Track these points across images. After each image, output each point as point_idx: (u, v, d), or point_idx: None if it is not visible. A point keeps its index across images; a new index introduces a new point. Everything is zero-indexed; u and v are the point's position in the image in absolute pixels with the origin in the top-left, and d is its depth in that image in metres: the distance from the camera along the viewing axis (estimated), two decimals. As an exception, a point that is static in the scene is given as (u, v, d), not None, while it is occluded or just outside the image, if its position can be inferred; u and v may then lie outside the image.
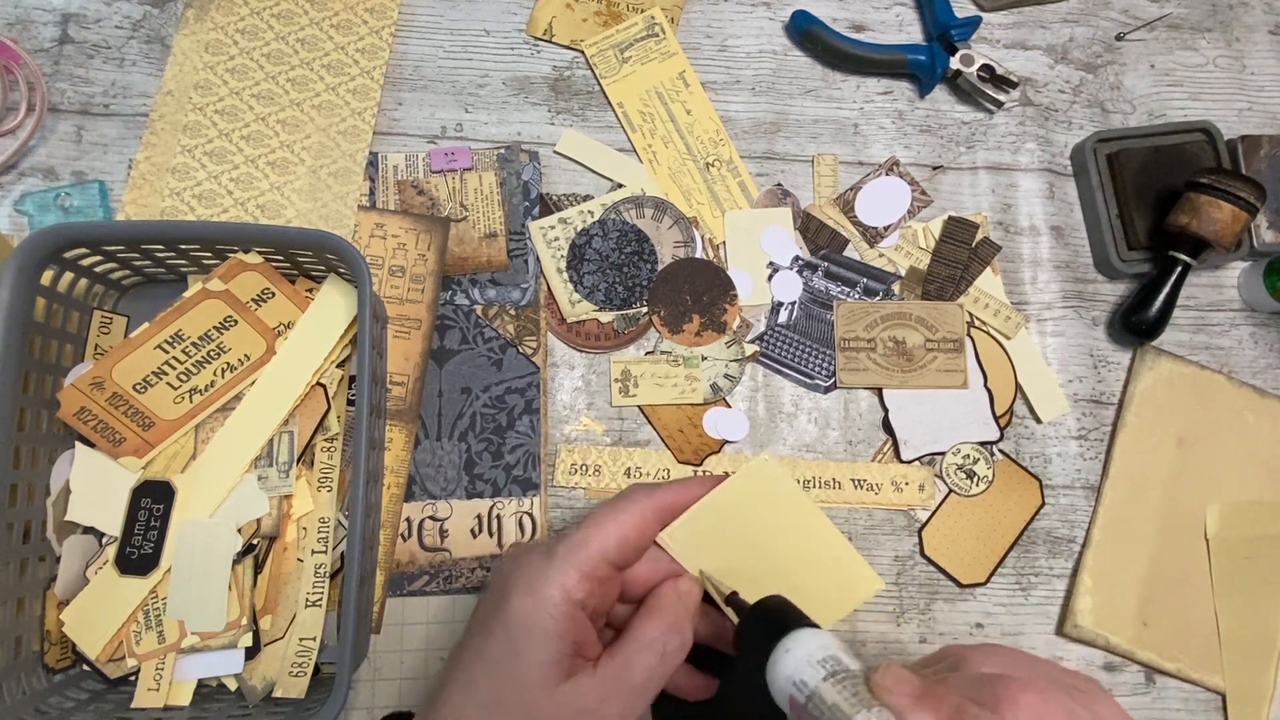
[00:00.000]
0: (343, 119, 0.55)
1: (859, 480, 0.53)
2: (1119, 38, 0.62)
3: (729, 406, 0.54)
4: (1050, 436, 0.55)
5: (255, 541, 0.46)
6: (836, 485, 0.53)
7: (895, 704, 0.29)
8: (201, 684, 0.45)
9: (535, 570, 0.35)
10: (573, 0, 0.59)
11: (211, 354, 0.47)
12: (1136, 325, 0.54)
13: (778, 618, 0.34)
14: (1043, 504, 0.54)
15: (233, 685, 0.45)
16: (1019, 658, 0.33)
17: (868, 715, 0.29)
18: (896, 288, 0.56)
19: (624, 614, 0.39)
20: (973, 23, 0.58)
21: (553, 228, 0.55)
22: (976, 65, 0.58)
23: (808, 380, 0.55)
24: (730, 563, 0.40)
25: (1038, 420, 0.55)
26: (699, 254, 0.56)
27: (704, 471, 0.53)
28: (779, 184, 0.58)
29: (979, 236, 0.56)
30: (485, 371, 0.53)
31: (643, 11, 0.59)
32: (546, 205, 0.56)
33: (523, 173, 0.56)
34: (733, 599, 0.37)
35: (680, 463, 0.53)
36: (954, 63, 0.58)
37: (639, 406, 0.54)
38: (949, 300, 0.55)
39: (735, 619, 0.36)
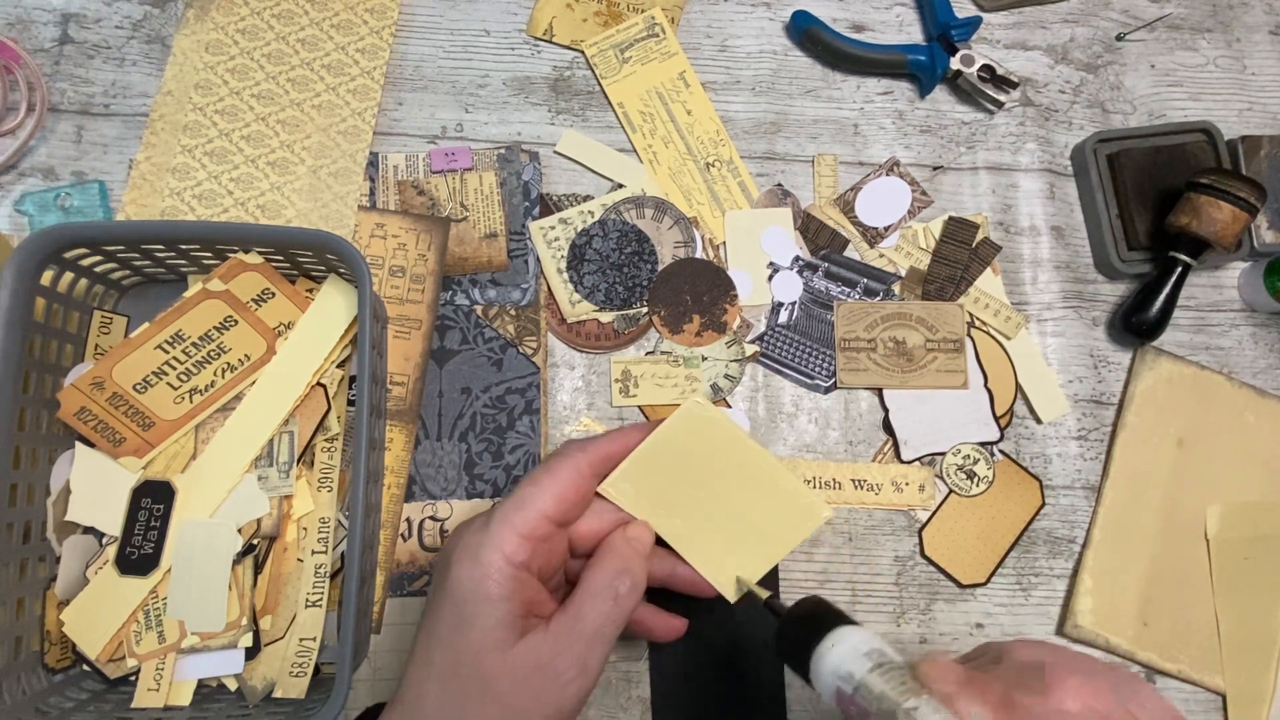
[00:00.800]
0: (343, 119, 0.55)
1: (859, 480, 0.53)
2: (1119, 38, 0.62)
3: (729, 407, 0.54)
4: (1050, 437, 0.55)
5: (255, 541, 0.46)
6: (836, 485, 0.53)
7: (942, 692, 0.29)
8: (201, 684, 0.45)
9: (474, 539, 0.35)
10: (573, 0, 0.59)
11: (212, 354, 0.47)
12: (1137, 325, 0.54)
13: (818, 617, 0.35)
14: (1043, 504, 0.54)
15: (233, 685, 0.45)
16: (1060, 650, 0.33)
17: (917, 702, 0.29)
18: (896, 288, 0.56)
19: (577, 568, 0.39)
20: (973, 23, 0.58)
21: (553, 228, 0.55)
22: (977, 65, 0.58)
23: (808, 380, 0.55)
24: (676, 505, 0.40)
25: (1038, 420, 0.55)
26: (699, 254, 0.56)
27: None
28: (779, 184, 0.58)
29: (979, 237, 0.56)
30: (485, 372, 0.53)
31: (643, 11, 0.59)
32: (546, 205, 0.56)
33: (523, 173, 0.56)
34: (771, 602, 0.37)
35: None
36: (954, 63, 0.58)
37: (639, 407, 0.54)
38: (949, 300, 0.55)
39: (773, 618, 0.37)
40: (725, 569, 0.40)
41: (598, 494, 0.39)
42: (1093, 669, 0.31)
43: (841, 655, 0.32)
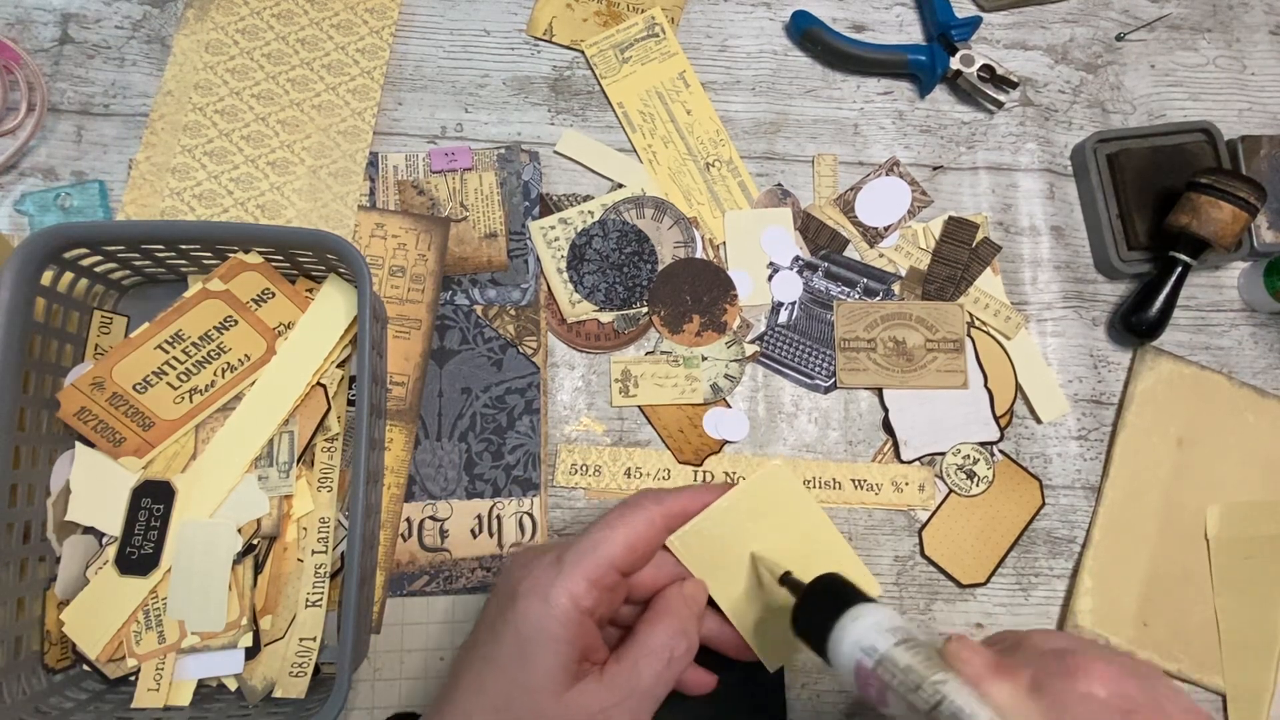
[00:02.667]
0: (343, 119, 0.55)
1: (859, 480, 0.53)
2: (1119, 38, 0.62)
3: (729, 406, 0.54)
4: (1050, 437, 0.55)
5: (255, 541, 0.46)
6: (836, 485, 0.53)
7: (969, 673, 0.29)
8: (201, 684, 0.45)
9: (544, 576, 0.35)
10: (573, 0, 0.59)
11: (211, 354, 0.47)
12: (1136, 325, 0.54)
13: (839, 592, 0.35)
14: (1043, 504, 0.54)
15: (233, 685, 0.45)
16: (1079, 639, 0.33)
17: (945, 676, 0.29)
18: (896, 288, 0.56)
19: (628, 614, 0.39)
20: (973, 23, 0.58)
21: (553, 228, 0.55)
22: (976, 65, 0.58)
23: (808, 380, 0.55)
24: (733, 569, 0.40)
25: (1038, 420, 0.55)
26: (699, 254, 0.56)
27: (706, 473, 0.53)
28: (779, 184, 0.58)
29: (979, 236, 0.56)
30: (485, 371, 0.53)
31: (643, 11, 0.59)
32: (546, 205, 0.56)
33: (523, 173, 0.56)
34: (786, 578, 0.37)
35: (680, 463, 0.53)
36: (954, 63, 0.58)
37: (639, 407, 0.54)
38: (949, 300, 0.55)
39: (789, 596, 0.37)
40: (769, 638, 0.40)
41: (662, 546, 0.39)
42: (1115, 657, 0.31)
43: (864, 629, 0.32)
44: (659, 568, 0.39)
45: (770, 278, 0.56)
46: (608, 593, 0.36)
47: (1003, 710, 0.28)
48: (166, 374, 0.46)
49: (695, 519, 0.39)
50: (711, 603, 0.40)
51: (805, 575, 0.39)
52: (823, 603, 0.34)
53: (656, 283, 0.55)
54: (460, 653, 0.38)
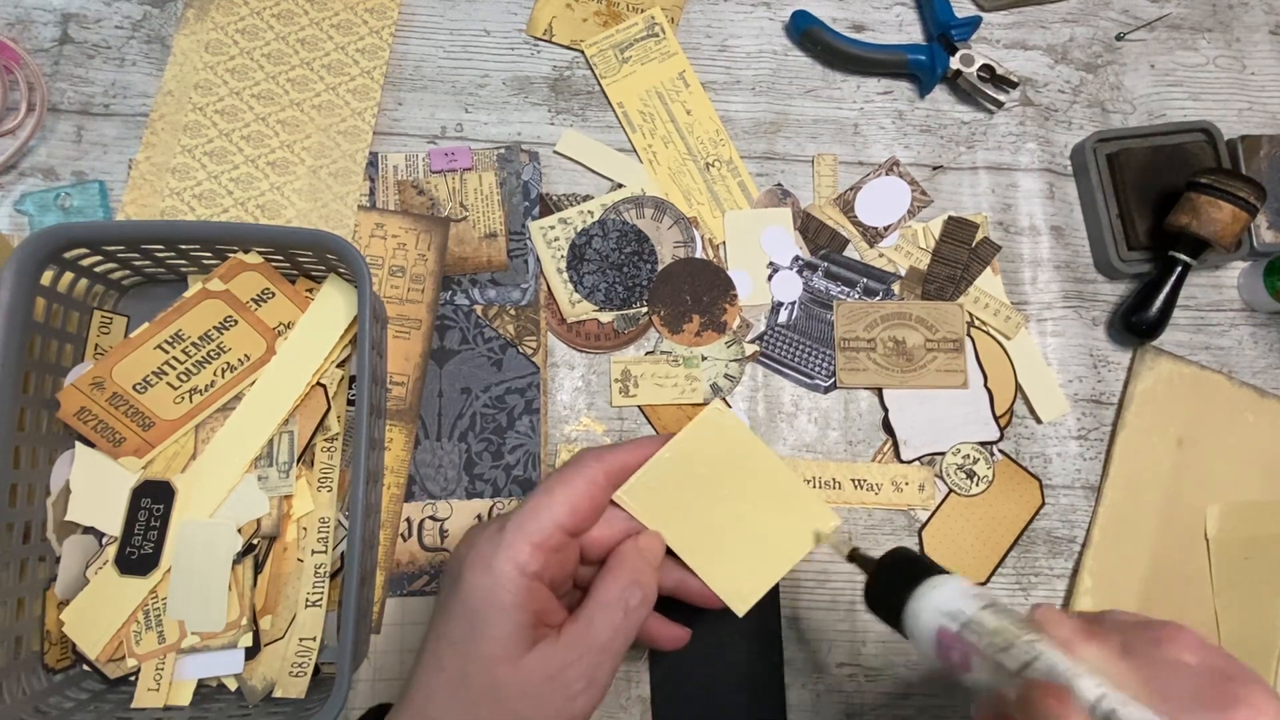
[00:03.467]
0: (343, 119, 0.55)
1: (859, 480, 0.53)
2: (1119, 38, 0.62)
3: (729, 406, 0.54)
4: (1050, 436, 0.55)
5: (255, 541, 0.46)
6: (836, 485, 0.53)
7: (1060, 636, 0.29)
8: (201, 684, 0.45)
9: (487, 547, 0.35)
10: (573, 0, 0.59)
11: (211, 354, 0.47)
12: (1136, 325, 0.54)
13: (916, 563, 0.35)
14: (1043, 504, 0.54)
15: (233, 685, 0.45)
16: (1154, 617, 0.33)
17: (1036, 636, 0.29)
18: (896, 288, 0.56)
19: (588, 574, 0.39)
20: (973, 23, 0.58)
21: (553, 228, 0.55)
22: (976, 65, 0.58)
23: (808, 380, 0.55)
24: (687, 516, 0.40)
25: (1038, 420, 0.55)
26: (699, 254, 0.56)
27: None
28: (779, 184, 0.58)
29: (979, 236, 0.56)
30: (485, 371, 0.53)
31: (643, 11, 0.59)
32: (546, 205, 0.56)
33: (523, 173, 0.56)
34: (855, 554, 0.38)
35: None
36: (954, 63, 0.58)
37: (639, 406, 0.54)
38: (949, 300, 0.55)
39: (862, 571, 0.37)
40: (733, 581, 0.40)
41: (611, 502, 0.39)
42: (1197, 631, 0.31)
43: (948, 595, 0.32)
44: (612, 525, 0.39)
45: (770, 278, 0.56)
46: (555, 554, 0.36)
47: (1096, 670, 0.28)
48: (166, 374, 0.46)
49: (640, 470, 0.39)
50: (672, 554, 0.40)
51: (763, 512, 0.40)
52: (898, 574, 0.35)
53: (656, 283, 0.55)
54: (422, 638, 0.38)
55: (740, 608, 0.40)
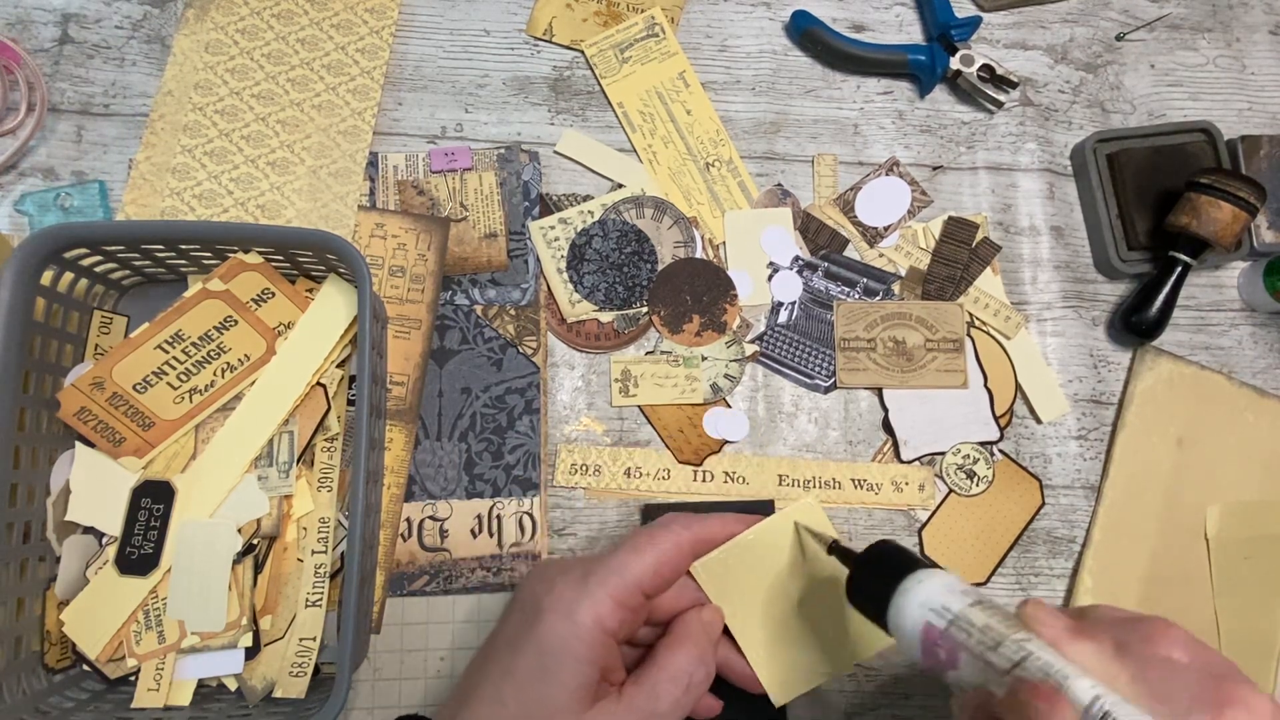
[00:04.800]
0: (343, 119, 0.55)
1: (859, 480, 0.53)
2: (1119, 38, 0.62)
3: (729, 406, 0.54)
4: (1050, 436, 0.55)
5: (255, 541, 0.46)
6: (836, 485, 0.53)
7: (1050, 635, 0.29)
8: (201, 684, 0.45)
9: (569, 593, 0.35)
10: (573, 0, 0.59)
11: (211, 354, 0.47)
12: (1136, 325, 0.54)
13: (900, 557, 0.34)
14: (1043, 504, 0.54)
15: (233, 685, 0.45)
16: (1142, 613, 0.33)
17: (1026, 635, 0.29)
18: (896, 288, 0.56)
19: (646, 634, 0.39)
20: (973, 23, 0.58)
21: (553, 228, 0.55)
22: (976, 65, 0.58)
23: (808, 380, 0.55)
24: (751, 600, 0.40)
25: (1038, 420, 0.55)
26: (699, 254, 0.56)
27: (706, 473, 0.53)
28: (779, 184, 0.58)
29: (979, 236, 0.56)
30: (485, 371, 0.53)
31: (643, 11, 0.59)
32: (546, 205, 0.56)
33: (523, 173, 0.56)
34: (835, 546, 0.37)
35: (680, 463, 0.53)
36: (954, 63, 0.58)
37: (639, 406, 0.54)
38: (949, 300, 0.55)
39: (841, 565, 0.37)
40: (778, 671, 0.40)
41: (687, 572, 0.39)
42: (1187, 630, 0.31)
43: (934, 590, 0.32)
44: (679, 591, 0.39)
45: (770, 278, 0.56)
46: (631, 614, 0.36)
47: (1088, 669, 0.28)
48: (166, 374, 0.46)
49: (721, 547, 0.39)
50: (725, 632, 0.40)
51: (823, 616, 0.40)
52: (884, 567, 0.34)
53: (656, 283, 0.55)
54: (477, 663, 0.38)
55: (779, 699, 0.40)
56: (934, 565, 0.34)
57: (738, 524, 0.40)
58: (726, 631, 0.40)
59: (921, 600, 0.32)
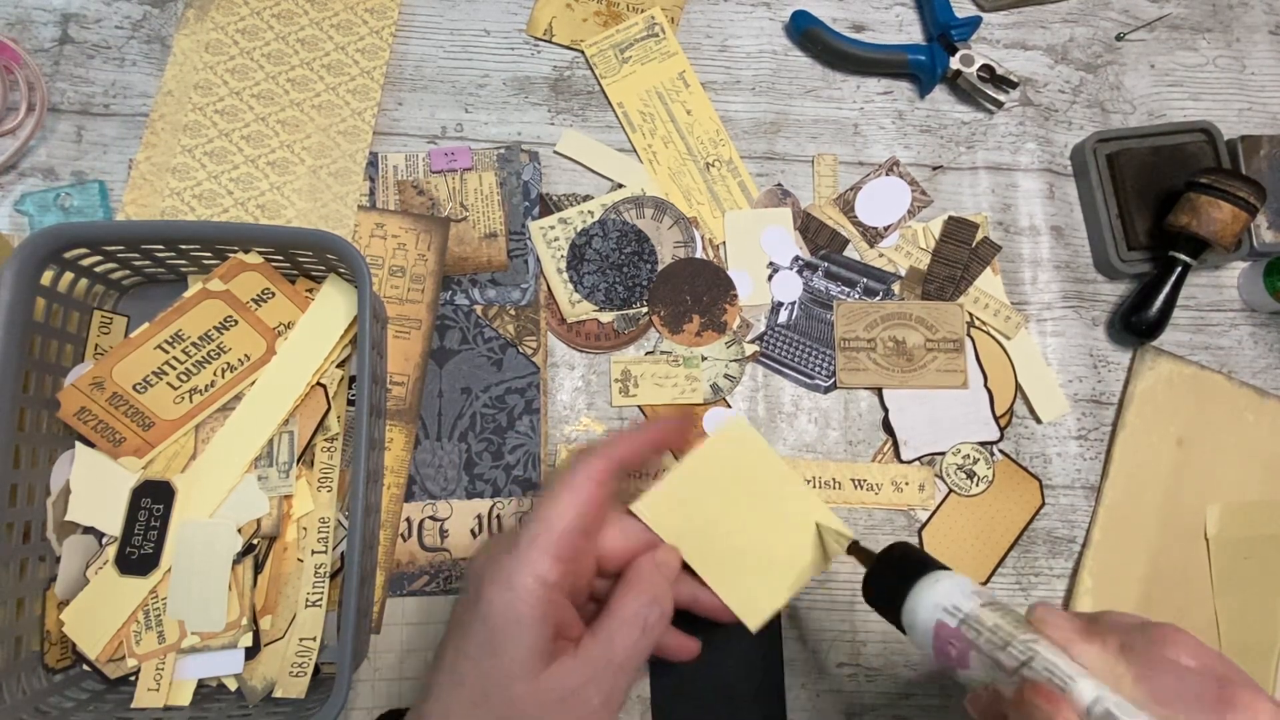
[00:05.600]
0: (343, 119, 0.55)
1: (859, 480, 0.53)
2: (1119, 38, 0.62)
3: (729, 406, 0.54)
4: (1050, 436, 0.55)
5: (255, 541, 0.46)
6: (836, 485, 0.53)
7: (1058, 636, 0.30)
8: (201, 684, 0.45)
9: (506, 560, 0.35)
10: (573, 0, 0.59)
11: (211, 354, 0.47)
12: (1136, 325, 0.54)
13: (916, 558, 0.35)
14: (1043, 504, 0.54)
15: (233, 685, 0.45)
16: (1150, 619, 0.33)
17: (1034, 636, 0.29)
18: (896, 288, 0.56)
19: (605, 587, 0.39)
20: (973, 23, 0.58)
21: (553, 228, 0.55)
22: (976, 65, 0.58)
23: (808, 380, 0.55)
24: (703, 531, 0.40)
25: (1038, 420, 0.55)
26: (699, 254, 0.56)
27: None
28: (779, 184, 0.58)
29: (979, 236, 0.56)
30: (485, 371, 0.53)
31: (643, 11, 0.59)
32: (546, 205, 0.56)
33: (523, 173, 0.56)
34: (855, 547, 0.38)
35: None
36: (954, 63, 0.58)
37: (639, 406, 0.54)
38: (949, 300, 0.55)
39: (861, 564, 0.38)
40: (748, 597, 0.40)
41: (628, 512, 0.39)
42: (1194, 636, 0.31)
43: (947, 590, 0.33)
44: (629, 538, 0.39)
45: (770, 278, 0.56)
46: (572, 563, 0.36)
47: (1094, 670, 0.28)
48: (166, 374, 0.46)
49: (659, 484, 0.39)
50: (687, 568, 0.40)
51: (778, 529, 0.40)
52: (899, 568, 0.35)
53: (656, 283, 0.55)
54: (437, 651, 0.38)
55: (754, 623, 0.40)
56: (946, 568, 0.34)
57: (648, 433, 0.39)
58: (688, 569, 0.40)
59: (935, 600, 0.33)
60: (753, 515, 0.40)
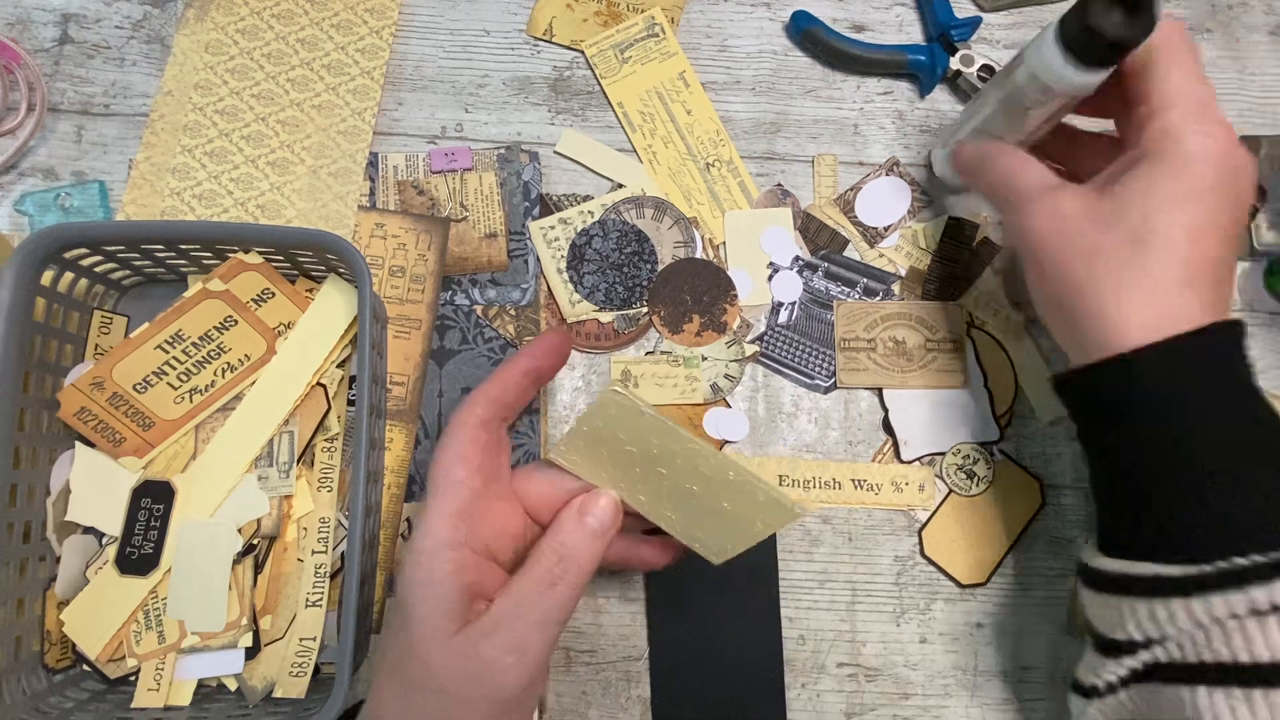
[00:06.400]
0: (343, 119, 0.55)
1: (859, 480, 0.53)
2: (1119, 38, 0.62)
3: (729, 406, 0.54)
4: (1050, 436, 0.55)
5: (255, 541, 0.46)
6: (836, 485, 0.53)
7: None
8: (201, 684, 0.45)
9: (415, 537, 0.35)
10: (573, 0, 0.59)
11: (211, 354, 0.47)
12: (1136, 325, 0.54)
13: None
14: (1043, 504, 0.54)
15: (233, 685, 0.45)
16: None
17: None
18: (896, 288, 0.56)
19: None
20: (973, 23, 0.58)
21: (553, 228, 0.55)
22: (977, 65, 0.58)
23: (808, 380, 0.55)
24: (638, 480, 0.36)
25: (1038, 420, 0.55)
26: (699, 254, 0.56)
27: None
28: (779, 184, 0.58)
29: (979, 236, 0.56)
30: (485, 372, 0.53)
31: (643, 11, 0.59)
32: (546, 205, 0.56)
33: (523, 173, 0.56)
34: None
35: (680, 463, 0.53)
36: (954, 63, 0.58)
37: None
38: (949, 300, 0.55)
39: None
40: (706, 534, 0.37)
41: (551, 463, 0.38)
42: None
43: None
44: (554, 484, 0.38)
45: (770, 278, 0.56)
46: (472, 517, 0.35)
47: None
48: (166, 374, 0.46)
49: (568, 432, 0.36)
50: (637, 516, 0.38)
51: (723, 487, 0.35)
52: None
53: (656, 283, 0.55)
54: None
55: (717, 559, 0.38)
56: None
57: (518, 362, 0.38)
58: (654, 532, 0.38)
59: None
60: (687, 474, 0.36)
